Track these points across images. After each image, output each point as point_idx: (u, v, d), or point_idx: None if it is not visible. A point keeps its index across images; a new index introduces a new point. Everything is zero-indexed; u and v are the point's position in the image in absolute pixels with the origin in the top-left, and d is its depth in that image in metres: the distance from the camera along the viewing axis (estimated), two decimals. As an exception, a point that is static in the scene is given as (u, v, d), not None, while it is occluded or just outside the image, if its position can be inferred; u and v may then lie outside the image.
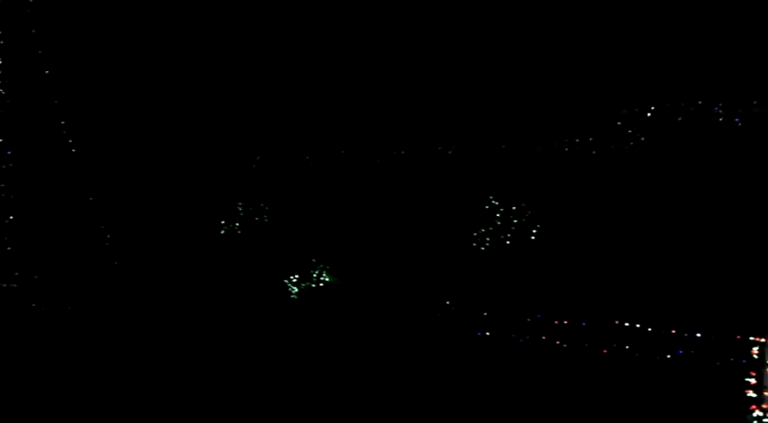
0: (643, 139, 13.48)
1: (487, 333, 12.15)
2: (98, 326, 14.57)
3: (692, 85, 12.57)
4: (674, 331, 10.77)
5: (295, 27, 18.48)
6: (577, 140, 14.40)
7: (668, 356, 10.59)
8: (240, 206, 18.60)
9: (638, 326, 10.87)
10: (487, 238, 14.74)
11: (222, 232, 18.38)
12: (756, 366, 8.42)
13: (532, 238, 14.37)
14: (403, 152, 17.10)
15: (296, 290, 16.22)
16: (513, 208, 14.71)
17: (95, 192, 18.46)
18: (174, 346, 13.19)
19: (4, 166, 17.32)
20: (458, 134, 16.12)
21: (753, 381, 8.46)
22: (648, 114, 12.95)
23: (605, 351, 11.67)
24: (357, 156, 17.89)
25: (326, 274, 16.14)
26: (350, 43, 17.63)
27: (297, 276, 16.27)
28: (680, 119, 12.23)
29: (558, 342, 12.04)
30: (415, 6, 16.68)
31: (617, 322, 11.32)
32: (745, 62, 12.01)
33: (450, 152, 16.33)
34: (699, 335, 10.11)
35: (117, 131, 19.17)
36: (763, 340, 8.55)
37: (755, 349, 8.51)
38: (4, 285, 15.88)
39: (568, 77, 14.20)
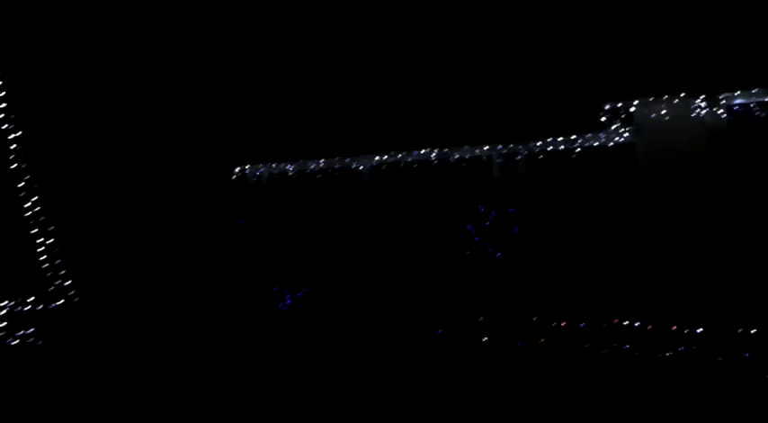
0: (627, 135, 13.38)
1: (484, 338, 12.05)
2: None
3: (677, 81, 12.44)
4: (674, 328, 10.75)
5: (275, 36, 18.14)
6: (564, 138, 14.26)
7: (668, 354, 10.58)
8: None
9: (636, 324, 10.84)
10: (479, 242, 14.62)
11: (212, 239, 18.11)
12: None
13: (525, 239, 14.28)
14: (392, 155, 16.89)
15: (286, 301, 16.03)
16: (503, 209, 14.59)
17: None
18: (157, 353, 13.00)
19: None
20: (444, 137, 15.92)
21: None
22: (634, 110, 12.82)
23: (604, 351, 11.66)
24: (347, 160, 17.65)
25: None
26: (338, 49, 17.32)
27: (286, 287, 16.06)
28: (668, 116, 12.13)
29: (554, 344, 12.00)
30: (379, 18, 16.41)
31: (614, 322, 11.29)
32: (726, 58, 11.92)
33: (434, 156, 16.14)
34: (700, 330, 10.07)
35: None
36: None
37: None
38: None
39: (560, 77, 14.00)
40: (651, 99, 12.73)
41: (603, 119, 13.41)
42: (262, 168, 19.03)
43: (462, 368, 11.72)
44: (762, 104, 11.57)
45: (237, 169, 19.81)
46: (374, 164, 17.13)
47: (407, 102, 16.65)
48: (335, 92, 17.92)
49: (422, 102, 16.48)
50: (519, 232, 14.38)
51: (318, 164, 17.95)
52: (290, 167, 18.61)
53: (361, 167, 17.36)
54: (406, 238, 15.99)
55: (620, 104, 13.18)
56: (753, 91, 11.56)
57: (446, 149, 15.99)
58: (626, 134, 13.44)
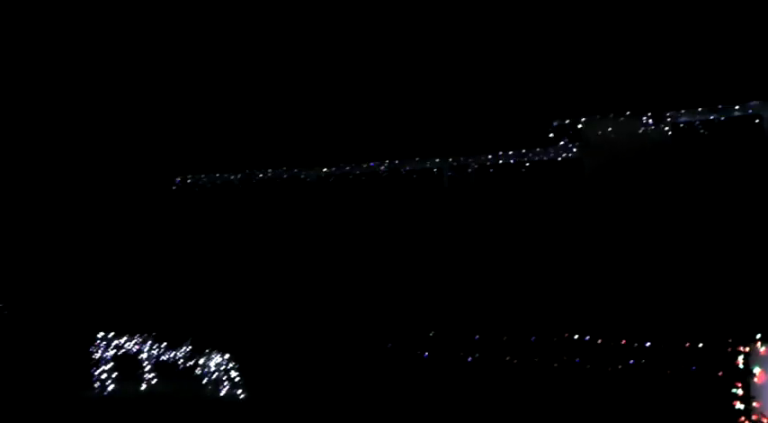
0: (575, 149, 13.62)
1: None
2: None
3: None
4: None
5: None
6: (515, 152, 14.41)
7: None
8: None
9: (587, 338, 10.91)
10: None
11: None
12: (743, 376, 8.41)
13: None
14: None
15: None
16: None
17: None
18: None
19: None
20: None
21: (740, 391, 8.42)
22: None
23: (555, 364, 11.67)
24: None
25: None
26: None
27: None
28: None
29: (497, 358, 11.92)
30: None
31: (565, 335, 11.33)
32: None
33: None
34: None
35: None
36: (748, 349, 8.58)
37: (740, 359, 8.52)
38: None
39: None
40: (598, 116, 13.03)
41: (552, 135, 13.64)
42: (204, 178, 18.45)
43: (405, 384, 11.53)
44: (706, 122, 11.99)
45: (179, 179, 19.15)
46: (322, 175, 16.88)
47: (358, 113, 16.51)
48: (282, 101, 17.61)
49: (372, 114, 16.38)
50: (469, 244, 14.39)
51: (266, 174, 17.55)
52: (234, 178, 18.12)
53: (308, 179, 17.08)
54: (356, 250, 15.76)
55: (567, 121, 13.43)
56: (698, 109, 11.99)
57: (396, 161, 15.92)
58: (574, 150, 13.70)
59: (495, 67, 14.32)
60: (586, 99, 13.28)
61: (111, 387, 11.90)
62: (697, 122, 12.04)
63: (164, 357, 11.74)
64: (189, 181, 18.60)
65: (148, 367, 12.22)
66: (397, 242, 15.49)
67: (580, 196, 13.78)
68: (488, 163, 14.91)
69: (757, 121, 11.54)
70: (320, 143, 17.13)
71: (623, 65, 12.82)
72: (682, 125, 12.31)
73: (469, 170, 15.12)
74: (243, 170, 17.83)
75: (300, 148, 17.29)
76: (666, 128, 12.32)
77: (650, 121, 12.35)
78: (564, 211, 13.99)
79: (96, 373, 12.05)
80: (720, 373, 9.17)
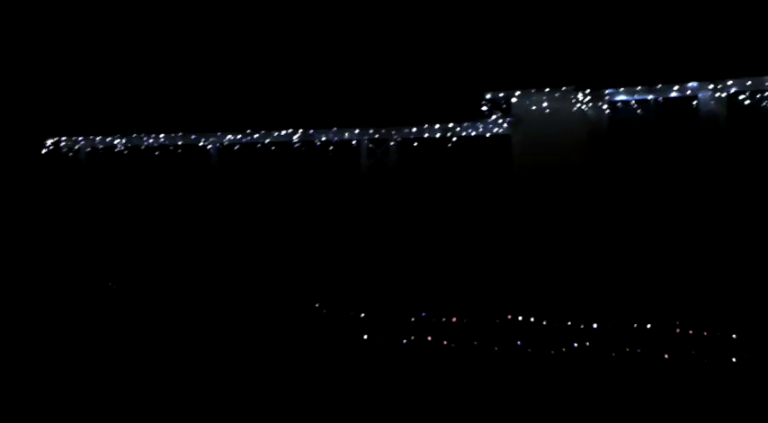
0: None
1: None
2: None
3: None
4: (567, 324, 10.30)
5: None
6: (441, 126, 13.54)
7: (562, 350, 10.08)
8: None
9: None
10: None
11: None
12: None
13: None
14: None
15: None
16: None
17: None
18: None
19: None
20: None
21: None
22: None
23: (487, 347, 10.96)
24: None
25: None
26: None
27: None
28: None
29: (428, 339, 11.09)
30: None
31: (508, 317, 10.67)
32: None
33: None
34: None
35: None
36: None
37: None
38: None
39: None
40: (533, 90, 12.46)
41: (484, 108, 12.93)
42: (82, 142, 16.14)
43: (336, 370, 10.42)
44: (642, 102, 11.76)
45: (50, 142, 16.71)
46: (225, 143, 15.21)
47: (269, 76, 15.01)
48: (181, 57, 15.70)
49: (286, 78, 14.93)
50: (387, 221, 13.41)
51: (156, 139, 15.58)
52: (118, 142, 15.97)
53: (209, 146, 15.34)
54: (261, 228, 14.31)
55: (501, 94, 12.76)
56: (636, 88, 11.71)
57: (311, 131, 14.58)
58: (504, 125, 13.08)
59: (429, 36, 13.40)
60: (520, 72, 12.69)
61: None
62: (633, 101, 11.79)
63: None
64: (62, 144, 16.22)
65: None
66: (309, 220, 14.24)
67: (507, 174, 13.20)
68: (412, 136, 13.97)
69: (694, 103, 11.46)
70: (222, 107, 15.46)
71: (562, 38, 12.35)
72: (618, 104, 12.02)
73: (391, 143, 14.11)
74: (130, 134, 15.76)
75: (199, 112, 15.52)
76: (604, 106, 11.97)
77: (588, 98, 11.94)
78: (489, 189, 13.37)
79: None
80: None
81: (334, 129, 14.40)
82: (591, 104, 11.98)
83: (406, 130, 13.91)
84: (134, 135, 15.85)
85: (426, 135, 13.76)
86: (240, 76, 15.23)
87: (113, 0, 15.35)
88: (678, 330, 9.32)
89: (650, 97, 11.65)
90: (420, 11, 13.17)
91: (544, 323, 9.90)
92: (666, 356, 9.13)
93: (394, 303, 10.78)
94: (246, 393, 8.70)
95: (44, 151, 16.68)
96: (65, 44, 15.74)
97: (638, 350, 9.23)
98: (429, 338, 10.02)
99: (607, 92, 11.93)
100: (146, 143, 15.71)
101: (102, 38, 15.71)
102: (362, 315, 10.64)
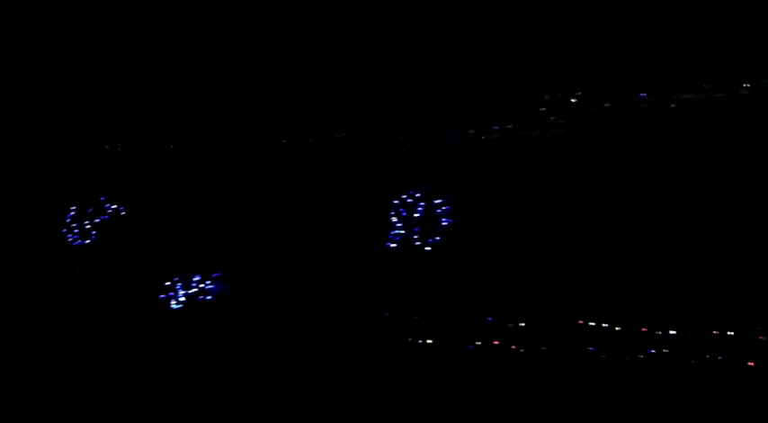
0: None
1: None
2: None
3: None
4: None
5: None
6: (501, 127, 13.39)
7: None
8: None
9: (596, 324, 10.15)
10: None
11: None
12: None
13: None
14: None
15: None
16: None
17: None
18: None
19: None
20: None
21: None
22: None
23: (543, 348, 10.85)
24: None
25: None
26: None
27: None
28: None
29: (489, 344, 11.01)
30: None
31: (579, 322, 10.53)
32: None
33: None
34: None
35: None
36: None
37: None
38: None
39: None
40: (594, 91, 12.21)
41: (543, 109, 12.73)
42: (138, 146, 16.35)
43: (387, 372, 10.41)
44: (712, 100, 11.44)
45: (107, 146, 16.97)
46: (277, 146, 15.26)
47: (323, 79, 15.01)
48: (241, 66, 15.81)
49: (338, 80, 14.92)
50: (449, 225, 13.29)
51: (211, 143, 15.70)
52: (173, 146, 16.15)
53: (263, 150, 15.41)
54: (322, 229, 14.32)
55: (560, 95, 12.55)
56: (704, 86, 11.41)
57: (364, 133, 14.54)
58: (564, 126, 12.86)
59: (481, 33, 13.23)
60: (581, 72, 12.45)
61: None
62: (703, 100, 11.46)
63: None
64: (119, 148, 16.46)
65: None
66: (356, 223, 14.21)
67: (567, 178, 12.98)
68: (467, 138, 13.82)
69: None
70: (275, 109, 15.53)
71: (624, 36, 12.07)
72: (687, 103, 11.69)
73: (447, 146, 13.99)
74: (185, 139, 15.92)
75: (256, 117, 15.61)
76: (673, 105, 11.66)
77: (653, 98, 11.65)
78: (549, 191, 13.16)
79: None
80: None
81: (386, 131, 14.33)
82: (656, 104, 11.70)
83: (462, 133, 13.77)
84: (188, 139, 16.00)
85: (483, 137, 13.60)
86: (295, 79, 15.27)
87: (172, 14, 15.53)
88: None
89: (720, 95, 11.33)
90: (477, 10, 13.02)
91: (618, 329, 9.71)
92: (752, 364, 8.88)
93: (458, 307, 10.70)
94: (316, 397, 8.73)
95: (101, 155, 16.96)
96: (126, 51, 15.98)
97: (720, 358, 8.99)
98: (496, 343, 9.91)
99: (673, 90, 11.64)
100: (199, 147, 15.86)
101: (159, 48, 15.91)
102: (426, 319, 10.57)
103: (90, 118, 16.55)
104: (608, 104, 12.04)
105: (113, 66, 16.25)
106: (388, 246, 13.52)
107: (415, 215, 13.53)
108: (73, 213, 16.15)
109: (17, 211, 16.05)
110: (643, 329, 9.22)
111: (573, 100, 12.41)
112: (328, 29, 14.50)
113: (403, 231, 13.50)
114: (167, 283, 13.54)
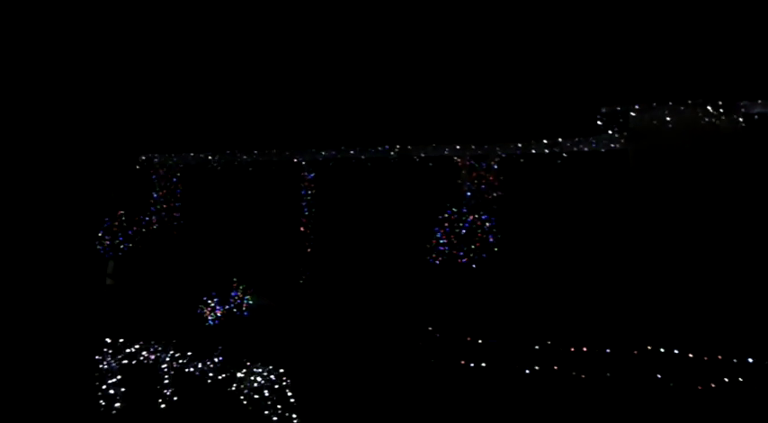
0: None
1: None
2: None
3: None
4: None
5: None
6: (550, 142, 12.86)
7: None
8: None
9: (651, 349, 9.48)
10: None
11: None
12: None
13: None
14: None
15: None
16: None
17: None
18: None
19: None
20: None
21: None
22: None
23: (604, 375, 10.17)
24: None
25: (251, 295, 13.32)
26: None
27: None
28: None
29: (533, 367, 10.35)
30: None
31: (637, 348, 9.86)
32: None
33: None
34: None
35: None
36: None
37: None
38: None
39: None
40: (654, 104, 11.65)
41: (600, 123, 12.18)
42: (175, 158, 16.10)
43: (422, 388, 9.83)
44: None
45: (143, 158, 16.76)
46: (319, 158, 14.90)
47: (367, 91, 14.64)
48: (276, 75, 15.53)
49: (384, 93, 14.54)
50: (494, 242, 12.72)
51: (251, 155, 15.40)
52: (212, 158, 15.87)
53: (303, 162, 15.05)
54: (361, 245, 13.87)
55: (618, 108, 12.00)
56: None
57: (409, 147, 14.11)
58: (621, 140, 12.30)
59: (539, 48, 12.77)
60: (640, 84, 11.90)
61: (119, 404, 9.50)
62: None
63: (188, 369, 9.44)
64: (156, 160, 16.23)
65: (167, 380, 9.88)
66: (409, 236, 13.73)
67: (624, 193, 12.37)
68: (518, 152, 13.32)
69: None
70: (318, 123, 15.18)
71: (688, 47, 11.52)
72: (756, 117, 11.08)
73: (494, 160, 13.48)
74: (224, 150, 15.65)
75: (294, 128, 15.28)
76: (740, 119, 11.05)
77: (721, 111, 11.04)
78: (604, 209, 12.57)
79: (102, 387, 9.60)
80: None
81: (433, 144, 13.89)
82: (723, 118, 11.09)
83: (512, 146, 13.27)
84: (228, 152, 15.72)
85: (534, 151, 13.10)
86: (335, 91, 14.93)
87: (209, 22, 15.36)
88: None
89: (791, 109, 10.71)
90: (532, 20, 12.57)
91: (690, 355, 9.04)
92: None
93: (514, 330, 10.12)
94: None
95: (137, 167, 16.75)
96: (160, 63, 15.83)
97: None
98: (555, 368, 9.30)
99: (742, 104, 11.04)
100: (239, 159, 15.57)
101: (196, 58, 15.73)
102: (480, 341, 9.99)
103: (126, 130, 16.40)
104: (671, 118, 11.46)
105: (153, 80, 16.11)
106: (431, 261, 12.99)
107: (460, 232, 12.99)
108: (108, 224, 15.87)
109: (51, 220, 15.91)
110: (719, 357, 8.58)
111: (632, 114, 11.85)
112: (379, 46, 14.19)
113: (447, 247, 12.96)
114: (204, 298, 13.14)
